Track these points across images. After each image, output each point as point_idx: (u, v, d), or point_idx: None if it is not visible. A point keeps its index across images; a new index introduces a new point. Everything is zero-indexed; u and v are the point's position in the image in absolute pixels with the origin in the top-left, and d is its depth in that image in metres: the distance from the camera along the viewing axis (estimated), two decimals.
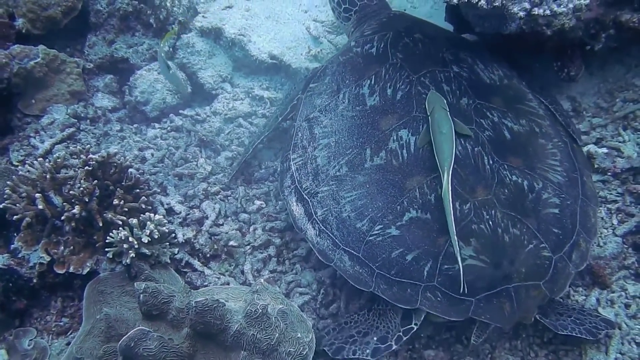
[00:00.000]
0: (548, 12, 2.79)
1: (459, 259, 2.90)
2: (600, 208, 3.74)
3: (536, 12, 2.80)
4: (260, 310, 2.85)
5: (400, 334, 3.12)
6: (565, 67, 4.02)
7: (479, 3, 2.83)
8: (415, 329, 3.11)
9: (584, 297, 3.49)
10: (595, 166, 3.85)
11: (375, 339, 3.14)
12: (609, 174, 3.82)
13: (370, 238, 3.16)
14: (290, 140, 3.70)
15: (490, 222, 3.06)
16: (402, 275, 3.07)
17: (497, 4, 2.83)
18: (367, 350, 3.10)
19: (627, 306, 3.41)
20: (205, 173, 4.12)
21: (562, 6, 2.80)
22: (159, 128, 4.52)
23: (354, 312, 3.35)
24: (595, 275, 3.50)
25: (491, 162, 3.23)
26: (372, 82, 3.57)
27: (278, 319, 2.92)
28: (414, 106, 3.41)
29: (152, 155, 4.23)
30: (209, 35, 4.88)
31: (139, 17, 4.77)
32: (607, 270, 3.50)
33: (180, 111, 4.58)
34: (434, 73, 3.52)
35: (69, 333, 3.55)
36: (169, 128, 4.51)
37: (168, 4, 4.72)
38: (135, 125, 4.56)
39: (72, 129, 4.30)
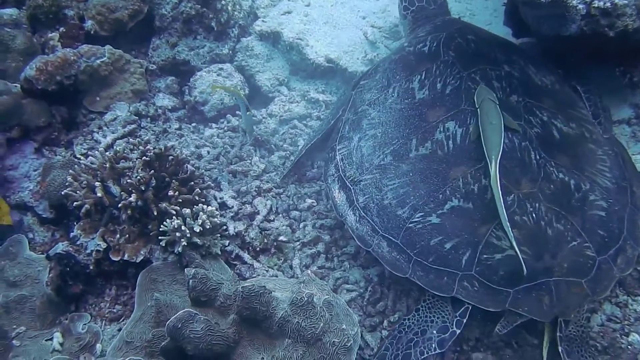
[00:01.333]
0: (608, 4, 2.70)
1: (514, 243, 2.88)
2: None
3: (596, 5, 2.72)
4: (305, 299, 2.86)
5: (458, 317, 3.09)
6: (628, 73, 3.89)
7: None
8: (470, 307, 3.07)
9: None
10: None
11: (435, 332, 3.12)
12: None
13: (410, 225, 3.18)
14: (337, 132, 3.76)
15: (534, 215, 3.04)
16: (440, 263, 3.08)
17: None
18: (433, 345, 3.08)
19: None
20: (258, 171, 4.17)
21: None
22: (215, 128, 4.62)
23: (402, 319, 3.30)
24: None
25: (538, 157, 3.20)
26: (423, 77, 3.61)
27: (323, 308, 2.92)
28: (462, 100, 3.42)
29: (208, 152, 4.32)
30: (267, 39, 4.99)
31: (201, 21, 4.90)
32: None
33: (238, 112, 4.66)
34: (484, 70, 3.53)
35: (121, 320, 3.64)
36: (225, 128, 4.59)
37: (230, 8, 4.84)
38: (193, 125, 4.67)
39: (133, 126, 4.44)
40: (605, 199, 3.19)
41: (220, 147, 4.35)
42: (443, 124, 3.37)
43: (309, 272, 3.18)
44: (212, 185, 3.98)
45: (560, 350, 3.02)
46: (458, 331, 3.07)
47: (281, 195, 4.05)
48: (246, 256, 3.65)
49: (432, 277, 3.09)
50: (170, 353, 2.85)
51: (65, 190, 3.61)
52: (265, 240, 3.70)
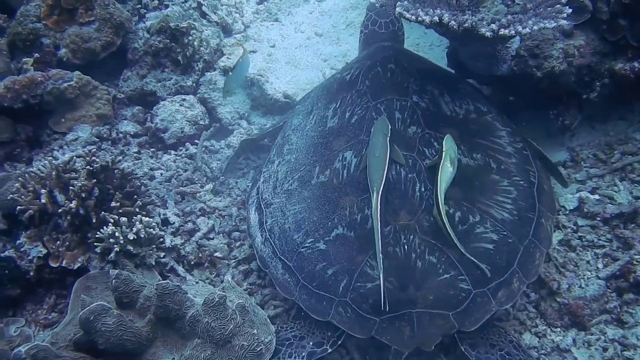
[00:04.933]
0: (512, 32, 2.92)
1: (382, 276, 2.98)
2: (587, 252, 3.71)
3: (502, 33, 2.94)
4: (217, 300, 2.95)
5: (335, 338, 3.22)
6: (560, 116, 4.08)
7: (450, 23, 3.00)
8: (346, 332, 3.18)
9: (560, 337, 3.41)
10: (585, 211, 3.84)
11: (311, 343, 3.23)
12: (598, 219, 3.79)
13: (302, 250, 3.31)
14: (267, 155, 3.93)
15: (406, 247, 3.12)
16: (322, 288, 3.20)
17: (466, 25, 3.00)
18: (303, 353, 3.19)
19: (604, 349, 3.31)
20: (207, 196, 4.32)
21: (526, 28, 2.93)
22: (174, 154, 4.79)
23: (291, 321, 3.44)
24: (574, 315, 3.42)
25: (423, 189, 3.28)
26: (337, 105, 3.77)
27: (236, 312, 3.00)
28: (363, 130, 3.55)
29: (161, 174, 4.49)
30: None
31: (169, 55, 5.17)
32: (586, 310, 3.42)
33: (196, 140, 4.86)
34: (391, 101, 3.64)
35: (54, 326, 3.71)
36: (183, 155, 4.77)
37: (196, 43, 5.11)
38: (152, 150, 4.85)
39: (93, 147, 4.62)
40: (497, 231, 3.21)
41: (173, 170, 4.52)
42: (342, 153, 3.50)
43: (229, 278, 3.28)
44: (158, 202, 4.13)
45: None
46: (330, 350, 3.21)
47: (225, 217, 4.18)
48: (180, 269, 3.76)
49: (314, 301, 3.21)
50: (82, 346, 2.93)
51: (11, 195, 3.76)
52: (200, 255, 3.82)
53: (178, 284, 2.98)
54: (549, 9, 3.17)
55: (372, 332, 3.05)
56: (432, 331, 3.02)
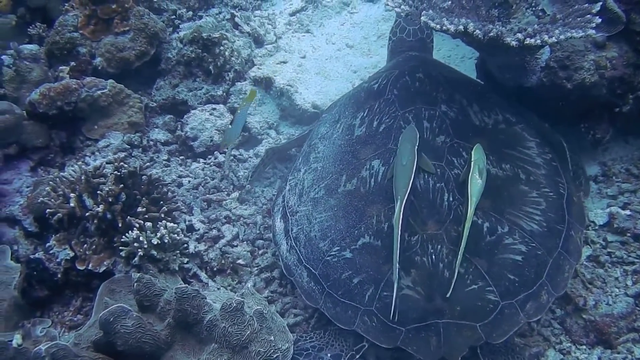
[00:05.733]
0: (539, 41, 2.87)
1: (396, 285, 2.95)
2: (616, 269, 3.61)
3: (528, 42, 2.89)
4: (234, 305, 2.95)
5: (353, 352, 3.22)
6: (591, 129, 3.99)
7: (475, 33, 2.97)
8: (366, 346, 3.19)
9: (586, 355, 3.32)
10: (615, 226, 3.73)
11: (329, 355, 3.25)
12: (629, 235, 3.69)
13: (328, 258, 3.29)
14: (293, 163, 3.92)
15: (433, 256, 3.09)
16: (347, 297, 3.17)
17: (492, 34, 2.96)
18: None
19: None
20: (233, 204, 4.35)
21: (553, 37, 2.88)
22: (202, 162, 4.84)
23: (311, 330, 3.45)
24: (600, 332, 3.33)
25: (451, 199, 3.25)
26: (365, 114, 3.74)
27: (253, 318, 3.00)
28: (391, 139, 3.52)
29: (189, 182, 4.54)
30: (260, 84, 5.28)
31: (201, 65, 5.26)
32: (612, 328, 3.32)
33: (225, 149, 4.90)
34: (419, 110, 3.60)
35: (79, 328, 3.77)
36: (211, 163, 4.82)
37: (227, 53, 5.19)
38: (181, 157, 4.91)
39: (124, 154, 4.72)
40: (525, 242, 3.17)
41: (200, 178, 4.57)
42: (370, 161, 3.48)
43: (249, 285, 3.29)
44: (184, 209, 4.17)
45: None
46: None
47: (250, 224, 4.20)
48: (203, 275, 3.79)
49: (339, 310, 3.18)
50: (102, 347, 2.96)
51: (41, 199, 3.85)
52: (223, 262, 3.84)
53: (197, 288, 3.00)
54: (579, 19, 3.12)
55: (398, 342, 3.01)
56: (459, 342, 2.97)
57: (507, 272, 3.08)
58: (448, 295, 2.97)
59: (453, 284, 2.97)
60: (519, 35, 2.94)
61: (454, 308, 2.99)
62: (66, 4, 5.35)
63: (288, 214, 3.64)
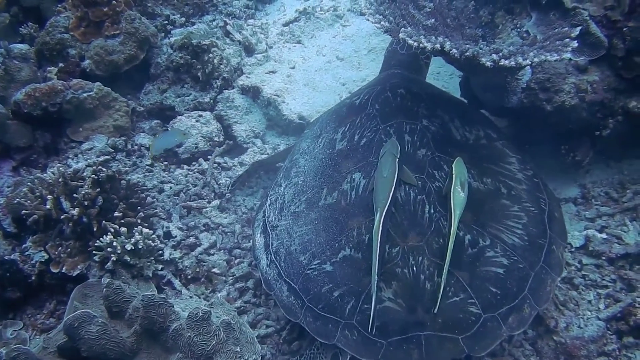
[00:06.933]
0: (513, 63, 2.88)
1: (374, 297, 2.93)
2: (590, 291, 3.61)
3: (502, 63, 2.90)
4: (201, 315, 2.93)
5: None
6: (571, 151, 4.00)
7: (451, 52, 2.97)
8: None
9: None
10: (590, 249, 3.74)
11: None
12: (603, 258, 3.69)
13: (308, 272, 3.25)
14: (274, 179, 3.92)
15: (415, 268, 3.06)
16: (327, 311, 3.13)
17: (468, 54, 2.97)
18: None
19: None
20: (213, 212, 4.35)
21: (527, 60, 2.88)
22: (186, 169, 4.84)
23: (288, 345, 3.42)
24: (570, 355, 3.31)
25: (432, 211, 3.23)
26: (346, 128, 3.73)
27: (220, 328, 2.98)
28: (372, 152, 3.51)
29: (171, 188, 4.54)
30: (248, 93, 5.29)
31: (189, 71, 5.28)
32: (582, 351, 3.31)
33: (209, 156, 4.90)
34: (401, 124, 3.59)
35: (50, 331, 3.76)
36: (195, 170, 4.82)
37: (216, 61, 5.20)
38: (165, 163, 4.91)
39: (107, 157, 4.72)
40: (507, 256, 3.16)
41: (182, 184, 4.57)
42: (351, 174, 3.46)
43: (219, 295, 3.27)
44: (163, 215, 4.17)
45: None
46: None
47: (228, 233, 4.20)
48: (177, 282, 3.78)
49: (319, 324, 3.15)
50: (67, 353, 2.95)
51: (18, 199, 3.84)
52: (198, 270, 3.83)
53: (164, 296, 2.99)
54: (557, 42, 3.13)
55: (379, 356, 2.98)
56: (441, 355, 2.95)
57: (489, 285, 3.07)
58: (435, 311, 2.95)
59: (439, 298, 2.94)
60: (494, 57, 2.95)
61: (435, 320, 2.97)
62: (59, 5, 5.37)
63: (268, 228, 3.62)
